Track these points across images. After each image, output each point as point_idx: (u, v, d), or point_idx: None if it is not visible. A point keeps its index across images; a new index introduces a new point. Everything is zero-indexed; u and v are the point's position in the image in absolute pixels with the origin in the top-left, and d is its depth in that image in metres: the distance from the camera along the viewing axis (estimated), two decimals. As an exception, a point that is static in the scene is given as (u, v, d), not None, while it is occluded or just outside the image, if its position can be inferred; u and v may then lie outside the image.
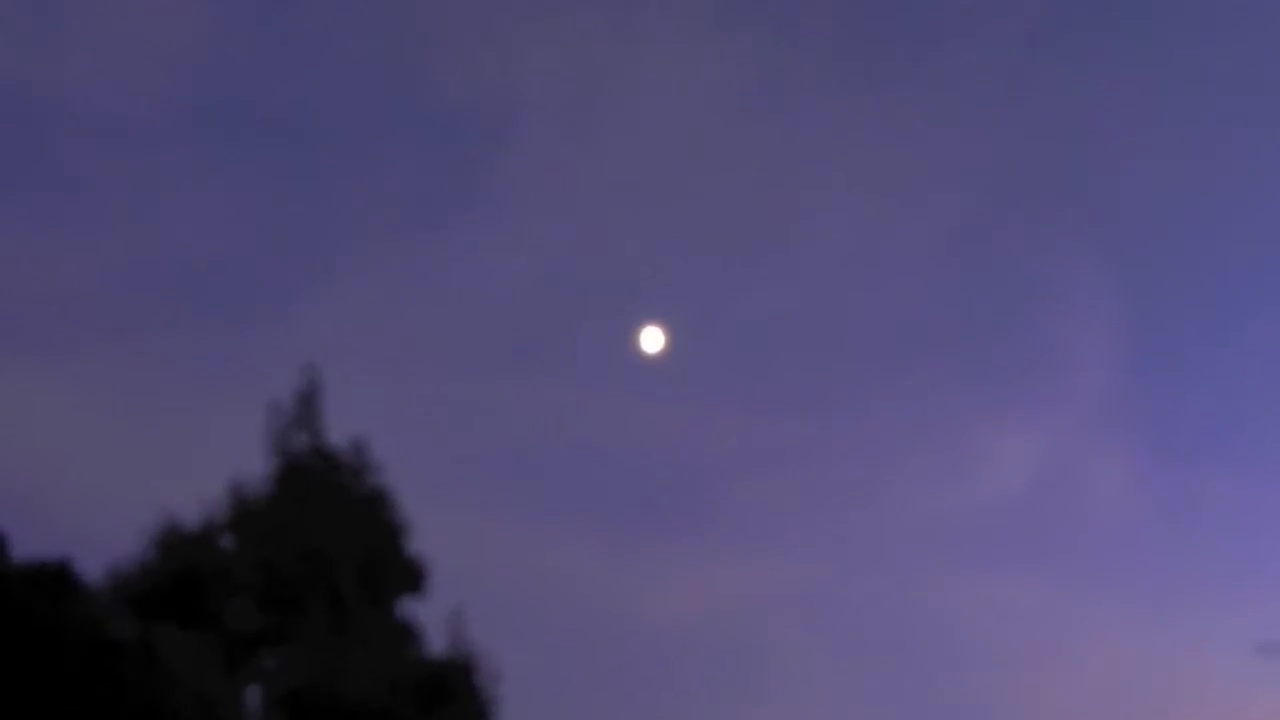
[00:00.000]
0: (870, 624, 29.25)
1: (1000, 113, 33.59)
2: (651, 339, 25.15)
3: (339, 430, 17.27)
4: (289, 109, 32.13)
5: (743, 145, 32.92)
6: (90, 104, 30.40)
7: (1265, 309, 33.62)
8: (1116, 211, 34.32)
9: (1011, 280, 34.14)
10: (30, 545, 14.03)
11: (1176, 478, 32.04)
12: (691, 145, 32.69)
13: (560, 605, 27.50)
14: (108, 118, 30.54)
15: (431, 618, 17.01)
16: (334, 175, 31.77)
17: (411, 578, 16.75)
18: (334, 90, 32.10)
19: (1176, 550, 30.81)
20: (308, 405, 17.14)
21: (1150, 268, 34.67)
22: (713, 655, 28.23)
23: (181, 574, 15.86)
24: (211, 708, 14.37)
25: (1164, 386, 33.46)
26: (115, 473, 24.49)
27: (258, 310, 30.37)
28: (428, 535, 17.29)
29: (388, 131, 32.52)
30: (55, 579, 13.70)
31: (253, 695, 15.66)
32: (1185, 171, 33.79)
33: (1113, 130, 33.82)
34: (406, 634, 16.63)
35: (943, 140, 33.86)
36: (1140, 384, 33.38)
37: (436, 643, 16.84)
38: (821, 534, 30.54)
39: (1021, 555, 30.56)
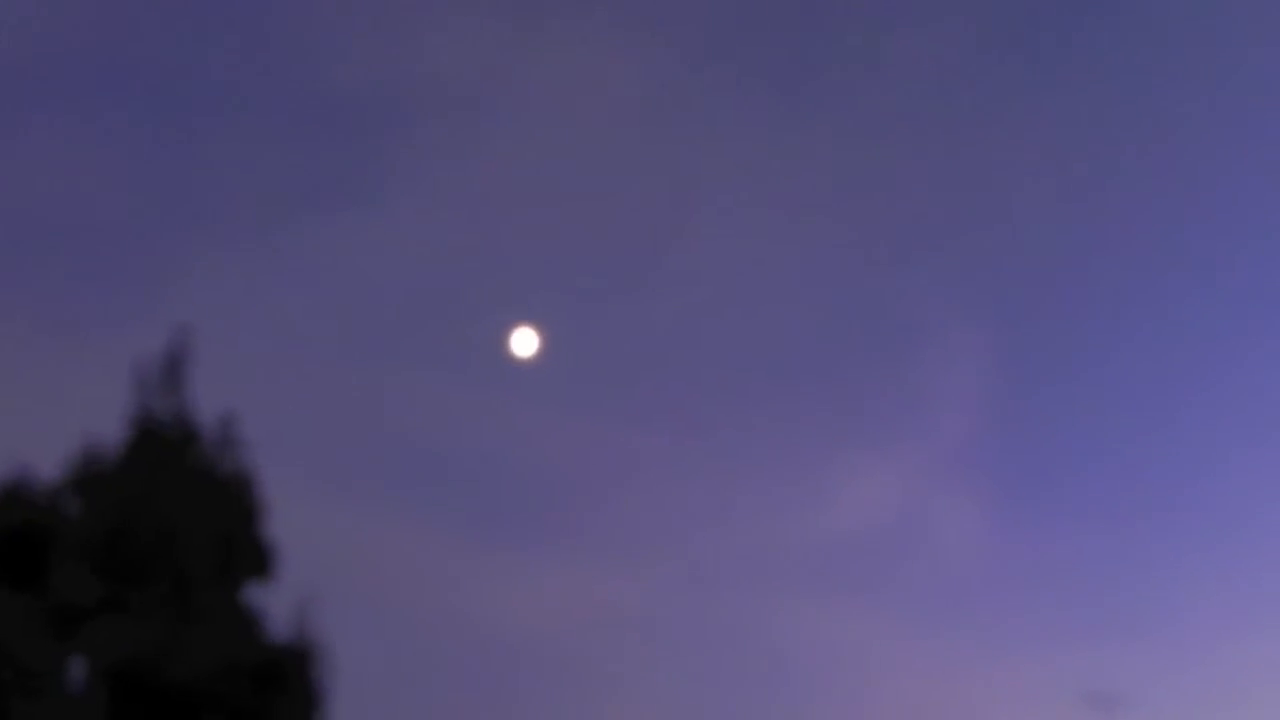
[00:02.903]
0: (711, 645, 29.54)
1: (893, 153, 34.24)
2: (524, 341, 25.06)
3: (206, 404, 16.78)
4: (184, 74, 31.31)
5: (636, 160, 33.04)
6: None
7: (1120, 372, 34.83)
8: (990, 262, 35.23)
9: (882, 318, 34.80)
10: None
11: (1022, 526, 33.01)
12: (585, 155, 32.69)
13: (412, 602, 27.28)
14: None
15: (281, 604, 16.68)
16: (220, 148, 31.04)
17: (262, 562, 16.38)
18: (229, 61, 31.37)
19: (1015, 597, 31.70)
20: (173, 371, 16.60)
21: (1017, 322, 35.67)
22: (557, 663, 28.25)
23: (16, 532, 15.27)
24: (29, 676, 13.89)
25: (1017, 437, 34.44)
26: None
27: (133, 275, 29.55)
28: (287, 520, 16.96)
29: (279, 109, 31.89)
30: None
31: (78, 666, 15.14)
32: (1062, 235, 34.87)
33: (1000, 183, 34.75)
34: (249, 618, 16.25)
35: (834, 173, 34.40)
36: (995, 433, 34.31)
37: (281, 630, 16.49)
38: (676, 550, 30.77)
39: (864, 590, 31.17)
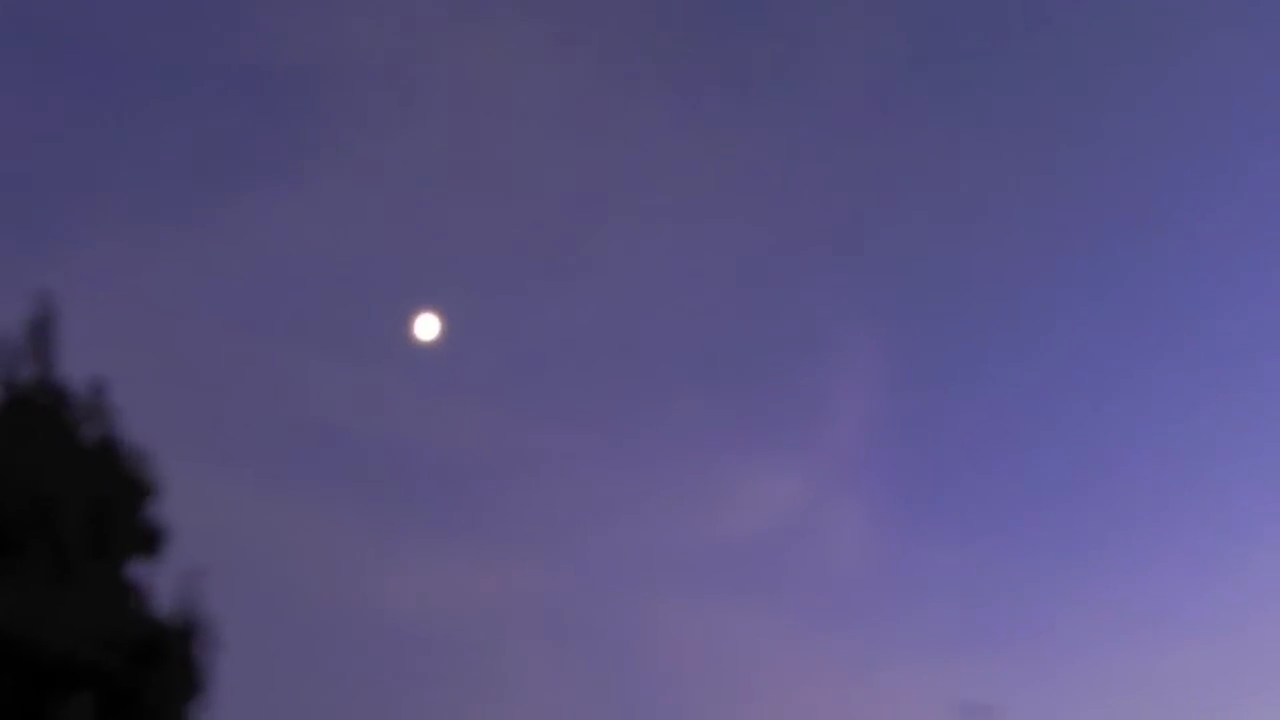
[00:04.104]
0: (603, 639, 29.82)
1: (807, 163, 34.78)
2: (426, 326, 25.07)
3: (81, 370, 16.51)
4: (105, 41, 30.84)
5: (558, 153, 33.18)
6: None
7: (1009, 387, 35.72)
8: (896, 277, 35.93)
9: (787, 325, 35.34)
10: None
11: (907, 534, 33.78)
12: (507, 144, 32.78)
13: (303, 583, 27.15)
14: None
15: (166, 579, 16.56)
16: (136, 119, 30.62)
17: (147, 536, 16.24)
18: (151, 31, 30.95)
19: (898, 604, 32.45)
20: (40, 335, 16.29)
21: (918, 338, 36.40)
22: (447, 652, 28.32)
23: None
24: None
25: (907, 447, 35.17)
26: None
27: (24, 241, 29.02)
28: (181, 497, 16.82)
29: (199, 81, 31.53)
30: None
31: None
32: (959, 250, 35.64)
33: (904, 194, 35.43)
34: (131, 592, 16.09)
35: (751, 178, 34.85)
36: (886, 442, 35.00)
37: (165, 606, 16.39)
38: (570, 547, 30.99)
39: (752, 594, 31.68)
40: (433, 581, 29.61)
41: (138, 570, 16.38)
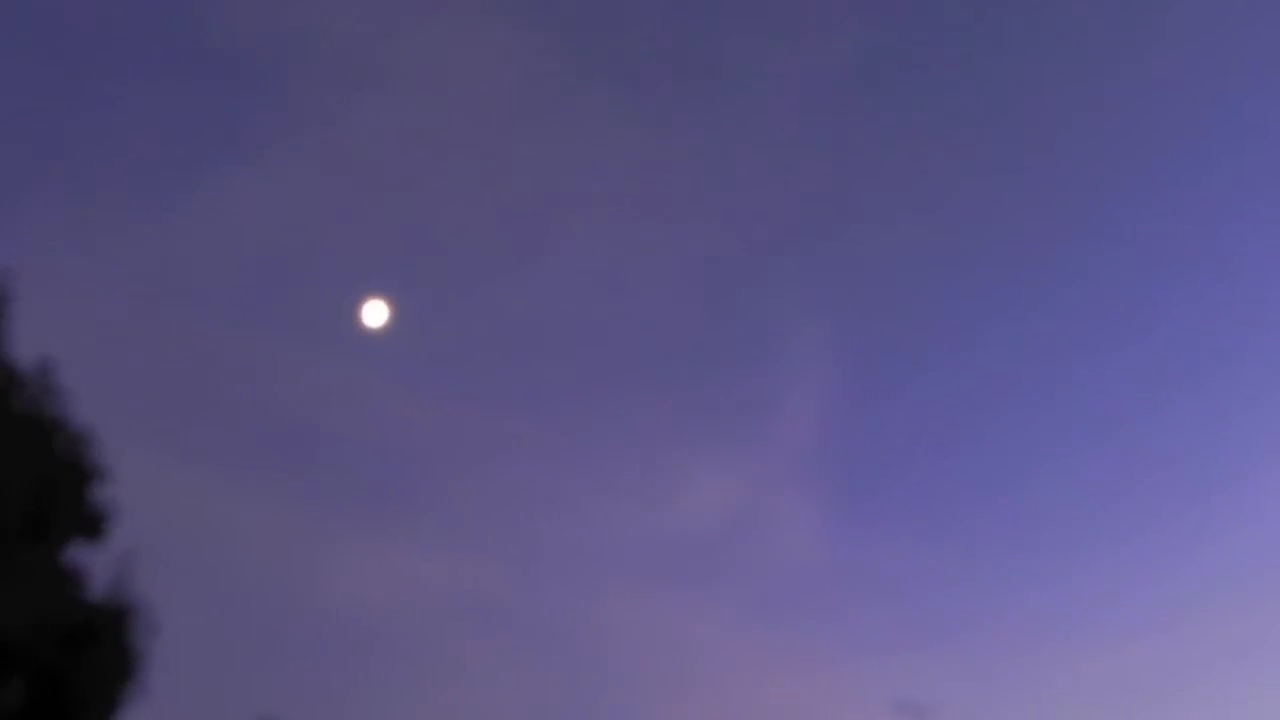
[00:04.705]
0: (549, 630, 29.95)
1: (763, 163, 35.02)
2: (375, 313, 25.09)
3: (30, 351, 16.43)
4: (57, 21, 30.60)
5: (515, 144, 33.23)
6: None
7: (958, 389, 36.14)
8: (847, 277, 36.23)
9: (741, 322, 35.59)
10: None
11: (853, 532, 34.14)
12: (462, 132, 32.79)
13: (246, 567, 27.12)
14: None
15: (107, 564, 16.51)
16: (88, 99, 30.40)
17: (90, 519, 16.19)
18: (115, 6, 30.75)
19: (842, 600, 32.79)
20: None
21: (869, 337, 36.73)
22: (387, 641, 28.34)
23: None
24: None
25: (855, 446, 35.53)
26: None
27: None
28: (125, 481, 16.75)
29: (151, 64, 31.34)
30: None
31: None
32: (911, 253, 35.99)
33: (866, 201, 35.75)
34: (67, 576, 16.04)
35: (708, 175, 35.03)
36: (840, 444, 35.31)
37: (102, 590, 16.35)
38: (516, 537, 31.09)
39: (698, 589, 31.91)
40: (377, 570, 29.65)
41: (79, 553, 16.32)
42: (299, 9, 31.52)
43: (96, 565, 16.47)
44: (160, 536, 18.37)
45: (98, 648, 15.80)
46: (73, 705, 15.61)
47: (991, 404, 36.27)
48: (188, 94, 31.24)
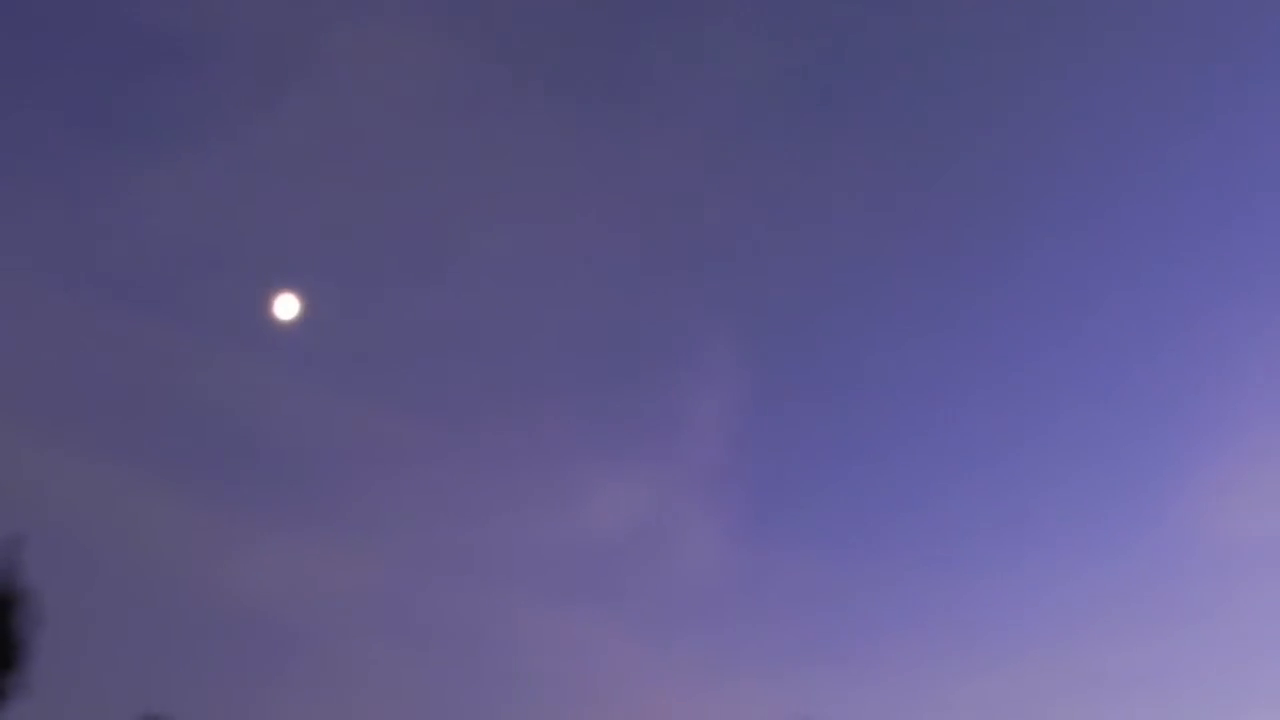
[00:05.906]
0: (445, 639, 29.78)
1: (678, 174, 35.25)
2: (286, 306, 24.84)
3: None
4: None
5: (432, 146, 33.13)
6: None
7: (868, 410, 36.56)
8: (756, 293, 36.57)
9: (652, 338, 35.75)
10: None
11: (757, 552, 34.41)
12: (385, 131, 32.65)
13: (146, 561, 26.66)
14: None
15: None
16: (5, 84, 29.77)
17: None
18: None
19: (742, 616, 33.01)
20: None
21: (777, 354, 37.09)
22: (288, 640, 28.01)
23: None
24: None
25: (764, 465, 35.84)
26: None
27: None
28: (11, 465, 16.43)
29: (72, 47, 30.79)
30: None
31: None
32: (830, 272, 36.40)
33: (777, 216, 36.12)
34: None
35: (623, 185, 35.19)
36: (745, 461, 35.60)
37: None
38: (422, 541, 30.91)
39: (600, 598, 31.95)
40: (281, 568, 29.31)
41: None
42: (223, 1, 31.21)
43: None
44: (57, 528, 18.05)
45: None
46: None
47: (895, 424, 36.80)
48: (107, 84, 30.79)
